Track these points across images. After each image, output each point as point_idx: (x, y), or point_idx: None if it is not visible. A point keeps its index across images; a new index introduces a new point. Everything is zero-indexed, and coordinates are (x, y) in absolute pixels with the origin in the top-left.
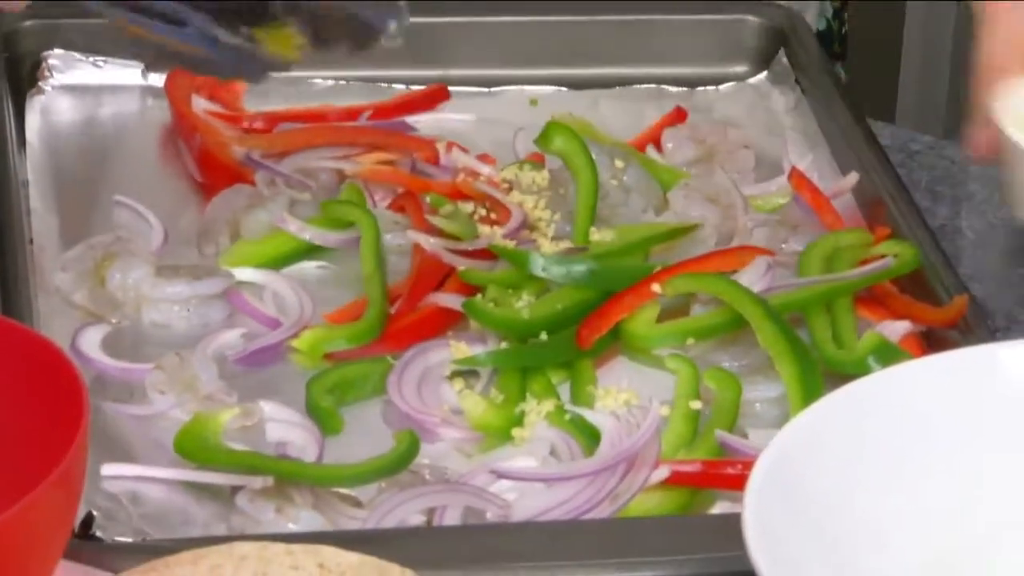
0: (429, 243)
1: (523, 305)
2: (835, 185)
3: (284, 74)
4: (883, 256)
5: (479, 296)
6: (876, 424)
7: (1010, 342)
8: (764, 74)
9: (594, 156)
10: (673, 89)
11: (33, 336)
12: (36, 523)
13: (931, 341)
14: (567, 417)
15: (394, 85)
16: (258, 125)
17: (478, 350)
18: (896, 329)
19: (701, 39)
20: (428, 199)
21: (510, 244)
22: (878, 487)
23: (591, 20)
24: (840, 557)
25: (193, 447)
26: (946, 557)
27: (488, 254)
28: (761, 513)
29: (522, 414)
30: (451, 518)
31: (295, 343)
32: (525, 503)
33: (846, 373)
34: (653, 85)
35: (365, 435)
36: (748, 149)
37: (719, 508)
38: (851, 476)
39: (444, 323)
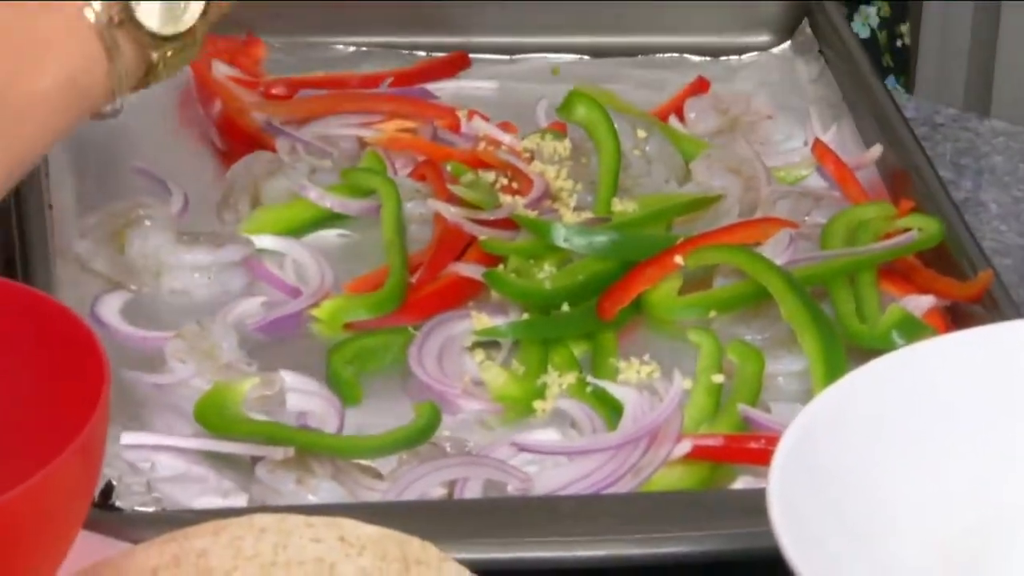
0: (450, 212)
1: (545, 276)
2: (859, 157)
3: (304, 39)
4: (907, 229)
5: (500, 266)
6: (901, 401)
7: None
8: (787, 44)
9: (616, 126)
10: (696, 59)
11: (52, 304)
12: (57, 493)
13: (955, 315)
14: (589, 390)
15: (415, 52)
16: (279, 91)
17: (499, 321)
18: (920, 303)
19: (724, 8)
20: (449, 167)
21: (532, 214)
22: (902, 464)
23: None
24: (864, 534)
25: (213, 416)
26: (971, 535)
27: (510, 224)
28: (785, 490)
29: (544, 386)
30: (472, 491)
31: (315, 312)
32: (547, 476)
33: (870, 347)
34: (675, 54)
35: (385, 406)
36: (771, 120)
37: (741, 483)
38: (875, 453)
39: (465, 293)
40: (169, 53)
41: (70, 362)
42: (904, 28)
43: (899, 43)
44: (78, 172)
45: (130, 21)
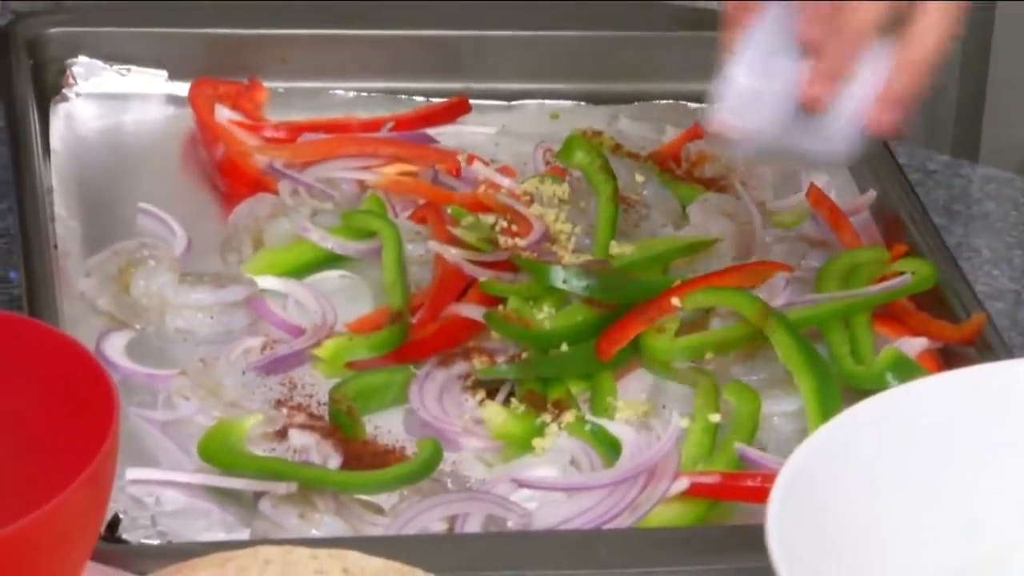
0: (451, 254)
1: (544, 317)
2: (853, 202)
3: (306, 84)
4: (901, 273)
5: (500, 307)
6: (895, 438)
7: None
8: None
9: (614, 170)
10: (693, 105)
11: (63, 339)
12: (65, 524)
13: (948, 358)
14: (587, 428)
15: (415, 97)
16: (281, 135)
17: (499, 360)
18: (914, 345)
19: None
20: (449, 211)
21: (531, 256)
22: (897, 500)
23: (612, 35)
24: (860, 568)
25: (217, 452)
26: (964, 570)
27: (509, 265)
28: (783, 525)
29: (543, 424)
30: (472, 526)
31: (317, 351)
32: (546, 512)
33: (864, 388)
34: (673, 100)
35: (387, 443)
36: (767, 166)
37: (736, 520)
38: (871, 489)
39: (465, 333)
40: None
41: (80, 396)
42: None
43: None
44: (83, 213)
45: None
